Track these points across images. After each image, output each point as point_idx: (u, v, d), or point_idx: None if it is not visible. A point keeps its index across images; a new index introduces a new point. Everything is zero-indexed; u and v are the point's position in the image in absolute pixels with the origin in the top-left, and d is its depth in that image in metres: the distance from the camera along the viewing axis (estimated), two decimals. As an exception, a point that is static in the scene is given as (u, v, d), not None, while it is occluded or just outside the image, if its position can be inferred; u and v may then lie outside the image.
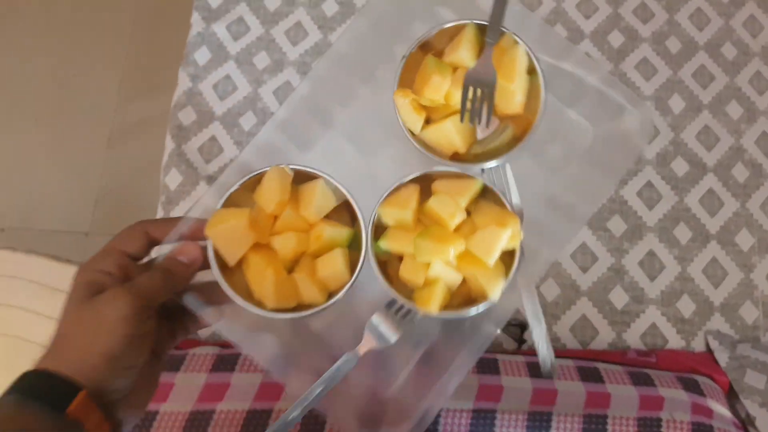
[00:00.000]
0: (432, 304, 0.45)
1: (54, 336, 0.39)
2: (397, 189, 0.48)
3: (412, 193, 0.47)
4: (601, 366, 0.64)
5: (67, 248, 1.07)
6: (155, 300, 0.41)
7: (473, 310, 0.46)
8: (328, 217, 0.48)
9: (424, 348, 0.53)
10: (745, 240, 0.73)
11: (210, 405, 0.57)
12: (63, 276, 0.88)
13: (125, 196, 1.37)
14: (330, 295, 0.46)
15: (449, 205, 0.46)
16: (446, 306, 0.46)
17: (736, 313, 0.71)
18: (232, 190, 0.47)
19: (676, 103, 0.78)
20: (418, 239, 0.44)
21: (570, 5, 0.81)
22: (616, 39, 0.80)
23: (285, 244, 0.45)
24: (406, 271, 0.46)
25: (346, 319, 0.51)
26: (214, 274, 0.45)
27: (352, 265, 0.47)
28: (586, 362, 0.65)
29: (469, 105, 0.49)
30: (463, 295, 0.47)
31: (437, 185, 0.48)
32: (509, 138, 0.50)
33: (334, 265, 0.45)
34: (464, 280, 0.47)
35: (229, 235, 0.44)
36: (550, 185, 0.58)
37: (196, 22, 0.80)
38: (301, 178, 0.48)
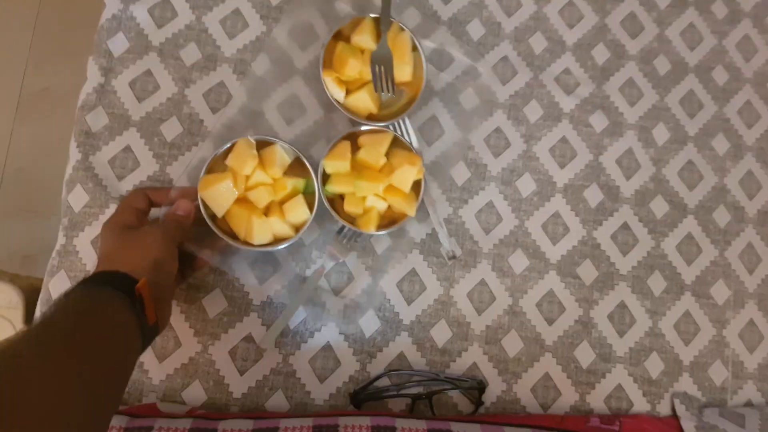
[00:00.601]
0: (371, 226, 0.60)
1: (101, 255, 0.53)
2: (335, 145, 0.61)
3: (346, 148, 0.60)
4: (562, 437, 0.59)
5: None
6: (173, 237, 0.54)
7: (399, 225, 0.61)
8: (286, 173, 0.60)
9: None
10: (720, 293, 0.68)
11: None
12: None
13: (32, 177, 1.20)
14: (297, 230, 0.59)
15: (374, 154, 0.60)
16: (380, 227, 0.60)
17: (704, 374, 0.66)
18: (210, 159, 0.58)
19: (661, 134, 0.70)
20: (357, 181, 0.59)
21: (552, 11, 0.71)
22: (601, 54, 0.71)
23: (259, 197, 0.58)
24: (348, 205, 0.60)
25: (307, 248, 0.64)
26: (209, 223, 0.57)
27: (309, 207, 0.59)
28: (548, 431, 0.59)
29: (380, 90, 0.62)
30: (389, 217, 0.62)
31: (362, 140, 0.62)
32: (407, 99, 0.64)
33: (297, 207, 0.58)
34: (389, 207, 0.61)
35: (217, 194, 0.57)
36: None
37: (111, 3, 0.65)
38: (261, 145, 0.59)
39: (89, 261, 0.60)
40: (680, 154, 0.70)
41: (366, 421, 0.54)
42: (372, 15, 0.63)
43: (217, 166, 0.58)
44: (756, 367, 0.67)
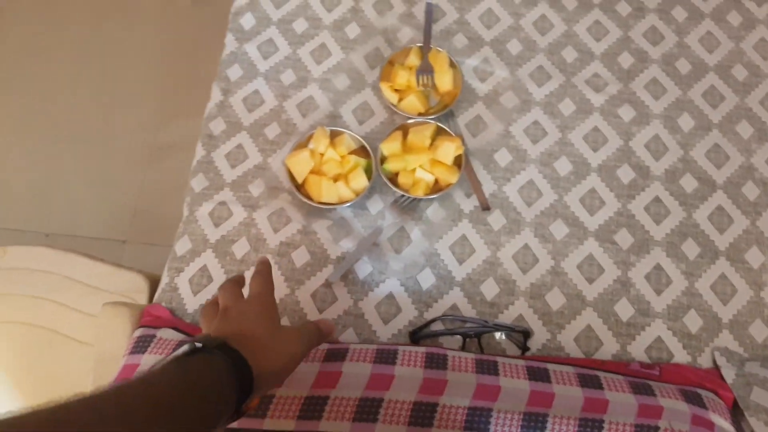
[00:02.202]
0: (420, 191, 0.74)
1: (253, 342, 0.51)
2: (390, 134, 0.77)
3: (399, 135, 0.76)
4: (601, 374, 0.65)
5: (105, 254, 1.14)
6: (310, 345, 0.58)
7: (445, 191, 0.75)
8: (351, 154, 0.76)
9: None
10: (755, 258, 0.73)
11: (324, 391, 0.61)
12: (95, 273, 0.94)
13: (159, 210, 1.44)
14: (357, 195, 0.75)
15: (420, 137, 0.75)
16: (428, 192, 0.74)
17: (745, 331, 0.70)
18: (296, 142, 0.78)
19: (686, 122, 0.79)
20: (407, 156, 0.75)
21: (581, 28, 0.85)
22: (626, 60, 0.83)
23: (329, 168, 0.75)
24: (402, 178, 0.75)
25: (366, 214, 0.78)
26: (292, 186, 0.75)
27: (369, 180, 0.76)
28: (588, 370, 0.65)
29: (422, 87, 0.79)
30: (437, 189, 0.75)
31: (411, 129, 0.77)
32: (445, 103, 0.80)
33: (357, 176, 0.74)
34: (436, 180, 0.75)
35: (298, 163, 0.75)
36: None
37: (230, 42, 0.87)
38: (334, 134, 0.77)
39: (207, 228, 0.77)
40: (706, 139, 0.79)
41: (422, 350, 0.64)
42: (418, 45, 0.81)
43: (301, 147, 0.76)
44: (798, 325, 0.70)
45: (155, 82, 1.65)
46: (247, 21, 0.87)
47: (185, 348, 0.48)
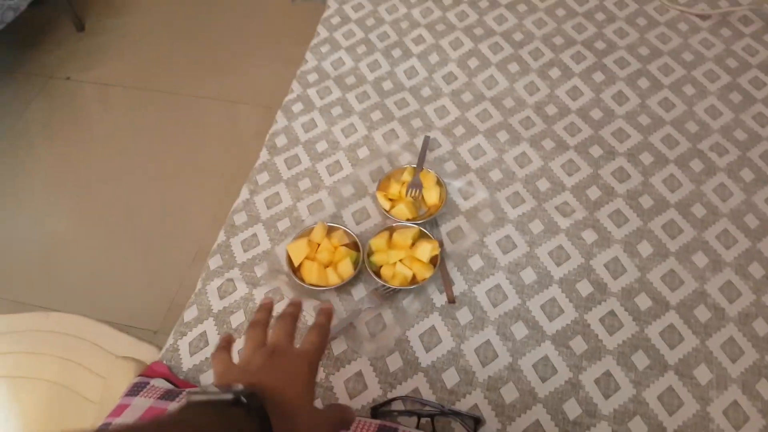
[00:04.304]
0: (398, 283, 0.86)
1: (287, 410, 0.50)
2: (378, 233, 0.90)
3: (386, 234, 0.90)
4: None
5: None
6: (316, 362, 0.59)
7: (420, 284, 0.86)
8: (344, 246, 0.89)
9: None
10: (703, 374, 0.78)
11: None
12: (119, 343, 1.07)
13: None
14: (343, 280, 0.86)
15: (403, 237, 0.88)
16: (405, 284, 0.86)
17: (689, 442, 0.73)
18: (299, 231, 0.92)
19: (645, 249, 0.88)
20: (390, 251, 0.88)
21: (556, 165, 0.98)
22: (593, 193, 0.95)
23: (323, 256, 0.88)
24: (384, 270, 0.87)
25: (349, 298, 0.89)
26: (290, 269, 0.88)
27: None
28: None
29: (411, 198, 0.92)
30: (413, 281, 0.86)
31: (398, 231, 0.90)
32: (431, 213, 0.93)
33: (346, 264, 0.87)
34: (414, 275, 0.86)
35: (297, 249, 0.88)
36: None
37: (263, 155, 1.06)
38: (332, 228, 0.92)
39: (213, 299, 0.90)
40: (662, 265, 0.87)
41: (376, 422, 0.72)
42: (413, 165, 0.97)
43: (303, 237, 0.90)
44: (742, 443, 0.72)
45: (211, 193, 1.90)
46: (281, 140, 1.07)
47: (230, 397, 0.47)
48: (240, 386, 0.48)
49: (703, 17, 1.17)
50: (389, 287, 0.85)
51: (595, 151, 1.00)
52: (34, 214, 2.02)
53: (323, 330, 0.61)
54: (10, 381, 1.04)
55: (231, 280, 0.91)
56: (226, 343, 0.61)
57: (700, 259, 0.87)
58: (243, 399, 0.46)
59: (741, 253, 0.87)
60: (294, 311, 0.65)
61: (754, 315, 0.82)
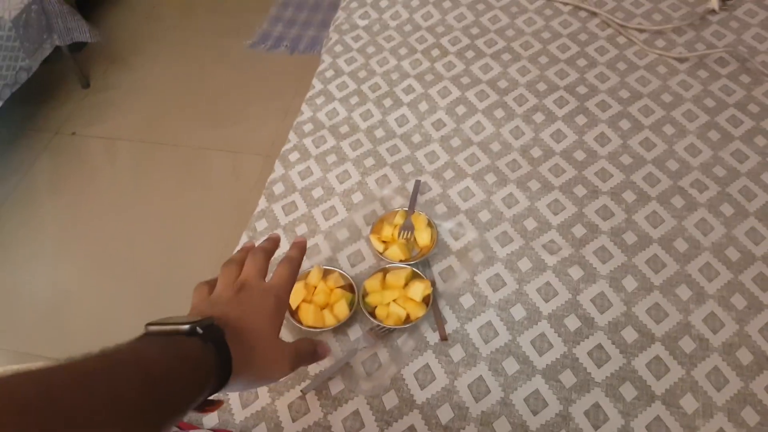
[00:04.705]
0: (393, 322, 0.88)
1: (249, 341, 0.53)
2: (372, 274, 0.94)
3: (380, 275, 0.94)
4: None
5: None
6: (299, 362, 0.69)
7: (413, 323, 0.89)
8: (340, 288, 0.92)
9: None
10: (689, 404, 0.80)
11: None
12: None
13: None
14: (339, 321, 0.89)
15: (396, 277, 0.92)
16: (399, 324, 0.88)
17: (679, 472, 0.75)
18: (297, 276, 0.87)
19: (629, 283, 0.92)
20: (384, 291, 0.91)
21: (542, 204, 1.03)
22: (578, 231, 0.99)
23: (319, 298, 0.91)
24: (379, 310, 0.90)
25: (345, 338, 0.92)
26: (287, 313, 0.88)
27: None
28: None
29: (403, 240, 0.95)
30: (407, 320, 0.89)
31: (391, 272, 0.94)
32: (423, 254, 0.97)
33: (342, 306, 0.90)
34: (407, 315, 0.89)
35: (294, 293, 0.89)
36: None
37: (262, 202, 1.11)
38: (328, 271, 0.95)
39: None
40: (647, 298, 0.90)
41: None
42: (405, 208, 1.02)
43: (300, 281, 0.93)
44: (730, 471, 0.74)
45: (214, 241, 1.94)
46: (278, 188, 1.12)
47: (186, 328, 0.48)
48: (199, 318, 0.49)
49: (681, 60, 1.23)
50: (384, 327, 0.89)
51: (579, 190, 1.04)
52: (41, 267, 2.07)
53: (293, 263, 0.62)
54: None
55: (231, 323, 0.94)
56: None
57: (684, 292, 0.90)
58: (198, 330, 0.48)
59: (723, 285, 0.90)
60: (268, 246, 0.65)
61: (738, 345, 0.84)
